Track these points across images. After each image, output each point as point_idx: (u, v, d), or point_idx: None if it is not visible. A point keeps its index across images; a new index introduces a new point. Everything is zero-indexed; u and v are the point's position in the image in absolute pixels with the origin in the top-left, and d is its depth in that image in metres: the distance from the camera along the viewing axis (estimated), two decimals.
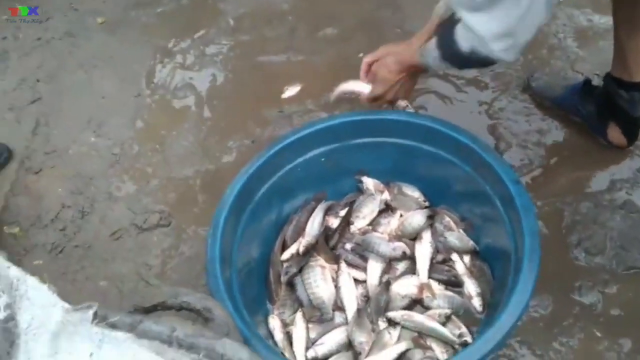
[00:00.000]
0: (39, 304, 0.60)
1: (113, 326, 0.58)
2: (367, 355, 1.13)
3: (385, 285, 1.22)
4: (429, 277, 1.23)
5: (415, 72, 1.33)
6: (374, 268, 1.25)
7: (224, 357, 0.55)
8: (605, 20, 1.73)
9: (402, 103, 1.41)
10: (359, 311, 1.19)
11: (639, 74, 1.31)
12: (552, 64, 1.69)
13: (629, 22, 1.26)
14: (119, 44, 2.03)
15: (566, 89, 1.51)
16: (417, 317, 1.17)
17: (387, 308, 1.20)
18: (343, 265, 1.27)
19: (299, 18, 1.98)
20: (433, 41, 1.17)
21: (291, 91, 1.76)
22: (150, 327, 0.58)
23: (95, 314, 0.58)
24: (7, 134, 1.75)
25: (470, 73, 1.69)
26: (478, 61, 1.10)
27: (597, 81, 1.47)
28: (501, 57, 1.05)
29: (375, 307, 1.19)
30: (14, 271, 0.61)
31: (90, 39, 2.06)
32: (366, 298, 1.23)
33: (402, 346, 1.12)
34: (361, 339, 1.14)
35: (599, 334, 1.18)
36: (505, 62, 1.11)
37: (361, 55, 1.81)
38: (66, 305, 0.59)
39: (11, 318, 0.61)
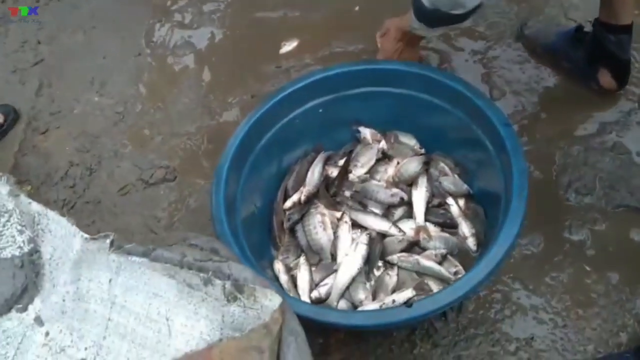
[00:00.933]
0: (59, 235, 0.66)
1: (128, 253, 0.64)
2: (373, 299, 1.19)
3: (380, 237, 1.27)
4: (426, 220, 1.29)
5: (411, 39, 1.39)
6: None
7: (230, 277, 0.61)
8: None
9: None
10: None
11: (625, 17, 1.33)
12: (546, 12, 1.70)
13: None
14: (117, 4, 2.04)
15: (558, 36, 1.53)
16: (413, 257, 1.23)
17: (384, 253, 1.26)
18: (345, 216, 1.30)
19: None
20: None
21: (289, 46, 1.78)
22: (162, 254, 0.64)
23: (112, 243, 0.64)
24: (12, 96, 1.79)
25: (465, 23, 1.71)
26: (443, 16, 1.18)
27: (589, 27, 1.48)
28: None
29: (371, 256, 1.24)
30: (35, 206, 0.67)
31: (88, 0, 2.07)
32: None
33: (408, 293, 1.17)
34: (360, 297, 1.19)
35: (588, 269, 1.23)
36: (470, 13, 1.14)
37: (357, 8, 1.84)
38: (85, 235, 0.65)
39: (35, 250, 0.67)
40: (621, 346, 1.13)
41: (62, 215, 0.66)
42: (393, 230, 1.25)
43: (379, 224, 1.27)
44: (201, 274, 0.60)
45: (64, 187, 1.57)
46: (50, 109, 1.75)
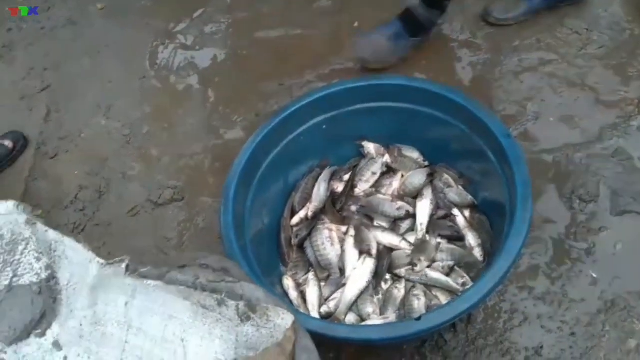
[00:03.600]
0: (76, 261, 0.67)
1: (144, 277, 0.65)
2: (381, 313, 1.21)
3: (388, 250, 1.28)
4: (433, 234, 1.30)
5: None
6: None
7: (243, 297, 0.62)
8: None
9: None
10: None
11: None
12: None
13: None
14: (120, 28, 2.08)
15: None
16: (421, 270, 1.24)
17: (392, 266, 1.27)
18: (351, 230, 1.32)
19: None
20: None
21: None
22: (176, 277, 0.66)
23: (127, 267, 0.66)
24: (22, 122, 1.82)
25: (464, 36, 1.74)
26: None
27: None
28: None
29: (379, 270, 1.26)
30: (52, 234, 0.69)
31: (92, 25, 2.12)
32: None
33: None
34: (368, 310, 1.21)
35: (594, 275, 1.24)
36: None
37: (356, 24, 1.87)
38: (101, 260, 0.67)
39: (52, 277, 0.69)
40: (630, 352, 1.13)
41: (78, 241, 0.68)
42: (403, 245, 1.26)
43: (388, 238, 1.28)
44: (215, 295, 0.62)
45: (75, 210, 1.60)
46: (58, 133, 1.78)
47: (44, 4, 2.21)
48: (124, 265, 0.66)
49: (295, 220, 1.38)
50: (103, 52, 2.01)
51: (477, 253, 1.26)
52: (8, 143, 1.70)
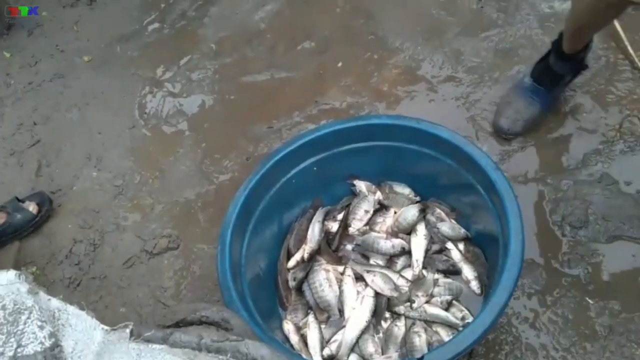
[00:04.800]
0: (80, 329, 0.68)
1: (148, 340, 0.66)
2: (383, 352, 1.21)
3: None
4: (430, 269, 1.31)
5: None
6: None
7: (248, 356, 0.63)
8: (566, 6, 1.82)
9: None
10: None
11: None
12: (520, 54, 1.77)
13: None
14: (107, 79, 2.10)
15: (531, 100, 1.56)
16: (419, 307, 1.25)
17: (389, 304, 1.28)
18: (348, 270, 1.33)
19: (277, 35, 2.06)
20: None
21: None
22: (180, 338, 0.66)
23: (131, 332, 0.66)
24: (12, 178, 1.83)
25: (444, 72, 1.78)
26: None
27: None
28: None
29: (378, 309, 1.26)
30: (55, 302, 0.69)
31: (79, 77, 2.13)
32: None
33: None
34: (370, 350, 1.21)
35: (590, 302, 1.26)
36: None
37: (340, 64, 1.91)
38: (105, 327, 0.67)
39: (56, 345, 0.69)
40: None
41: (82, 308, 0.68)
42: (400, 282, 1.27)
43: (384, 280, 1.29)
44: (220, 356, 0.62)
45: (69, 265, 1.59)
46: (50, 188, 1.78)
47: (31, 58, 2.23)
48: (128, 331, 0.66)
49: (292, 262, 1.39)
50: (91, 103, 2.03)
51: (474, 286, 1.28)
52: (33, 207, 1.65)
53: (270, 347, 0.66)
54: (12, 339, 0.70)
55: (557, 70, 1.49)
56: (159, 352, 0.66)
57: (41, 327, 0.70)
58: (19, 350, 0.69)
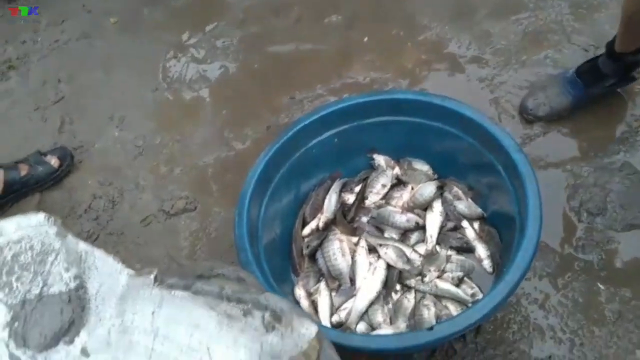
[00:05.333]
0: (106, 272, 0.70)
1: (171, 287, 0.68)
2: (391, 322, 1.23)
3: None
4: (443, 245, 1.32)
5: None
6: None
7: (268, 307, 0.65)
8: None
9: None
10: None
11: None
12: (549, 38, 1.75)
13: None
14: (133, 41, 2.12)
15: (567, 90, 1.53)
16: (431, 281, 1.26)
17: (401, 277, 1.29)
18: (362, 241, 1.34)
19: (304, 7, 2.06)
20: None
21: None
22: (202, 287, 0.68)
23: (155, 278, 0.68)
24: (35, 133, 1.86)
25: (471, 53, 1.77)
26: None
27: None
28: None
29: (389, 281, 1.28)
30: (82, 245, 0.71)
31: (105, 38, 2.15)
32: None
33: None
34: (379, 319, 1.23)
35: (602, 287, 1.26)
36: None
37: (365, 39, 1.90)
38: (131, 271, 0.69)
39: (81, 286, 0.71)
40: None
41: (109, 253, 0.70)
42: (413, 256, 1.28)
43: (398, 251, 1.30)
44: (240, 305, 0.64)
45: (88, 219, 1.62)
46: (72, 144, 1.81)
47: (58, 17, 2.25)
48: (152, 276, 0.68)
49: (307, 230, 1.40)
50: (116, 65, 2.05)
51: (487, 264, 1.29)
52: (54, 161, 1.70)
53: (289, 301, 0.67)
54: (39, 278, 0.72)
55: (602, 67, 1.47)
56: (181, 299, 0.68)
57: (67, 269, 0.72)
58: (44, 289, 0.72)
